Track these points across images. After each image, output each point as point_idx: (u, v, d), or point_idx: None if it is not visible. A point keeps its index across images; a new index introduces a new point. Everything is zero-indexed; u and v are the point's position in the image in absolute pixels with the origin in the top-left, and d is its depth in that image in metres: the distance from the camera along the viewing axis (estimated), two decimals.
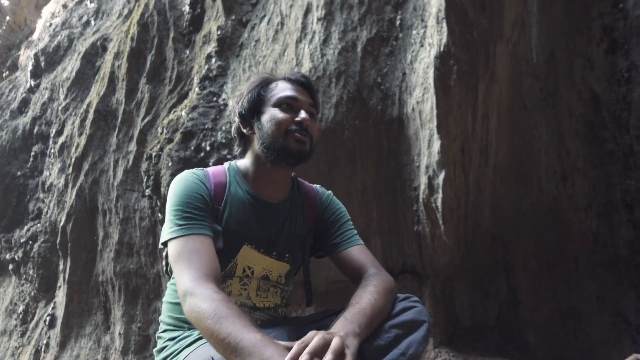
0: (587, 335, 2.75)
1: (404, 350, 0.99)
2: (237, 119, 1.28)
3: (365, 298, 1.03)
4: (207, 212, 1.14)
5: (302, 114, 1.19)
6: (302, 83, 1.25)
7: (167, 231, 1.11)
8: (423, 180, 2.42)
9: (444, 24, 2.30)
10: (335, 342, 0.84)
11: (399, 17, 2.77)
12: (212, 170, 1.25)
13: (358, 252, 1.25)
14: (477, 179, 2.64)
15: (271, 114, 1.20)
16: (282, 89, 1.23)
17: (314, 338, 0.84)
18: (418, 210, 2.52)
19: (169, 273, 1.25)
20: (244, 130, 1.26)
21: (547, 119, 3.02)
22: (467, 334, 2.56)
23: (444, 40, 2.28)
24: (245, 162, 1.29)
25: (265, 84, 1.26)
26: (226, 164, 1.29)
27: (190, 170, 1.22)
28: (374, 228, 2.71)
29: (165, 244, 1.12)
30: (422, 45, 2.56)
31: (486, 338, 2.58)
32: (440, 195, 2.34)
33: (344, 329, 0.92)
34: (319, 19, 2.81)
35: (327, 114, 2.65)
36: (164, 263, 3.18)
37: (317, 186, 1.40)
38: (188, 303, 0.96)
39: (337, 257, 1.26)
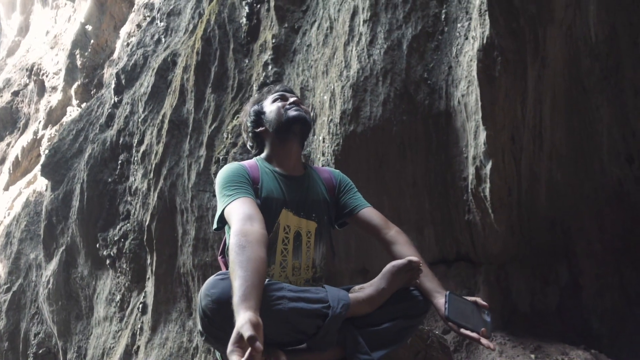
0: None
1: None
2: (250, 127, 1.76)
3: (413, 252, 1.56)
4: (249, 185, 1.53)
5: (292, 98, 1.71)
6: (285, 89, 1.78)
7: (220, 207, 1.49)
8: (471, 170, 2.47)
9: (487, 16, 2.32)
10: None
11: (444, 10, 2.82)
12: (245, 162, 1.68)
13: (372, 212, 1.68)
14: (530, 166, 2.63)
15: (270, 107, 1.72)
16: (273, 93, 1.75)
17: None
18: (468, 200, 2.57)
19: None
20: (257, 130, 1.74)
21: (608, 99, 2.89)
22: (525, 320, 2.58)
23: (487, 32, 2.31)
24: (265, 153, 1.74)
25: (260, 99, 1.79)
26: (254, 158, 1.74)
27: (231, 163, 1.67)
28: (427, 219, 2.79)
29: (221, 220, 1.50)
30: (466, 38, 2.60)
31: (545, 324, 2.58)
32: (488, 184, 2.39)
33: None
34: (364, 21, 2.94)
35: (375, 112, 2.77)
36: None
37: (327, 167, 1.92)
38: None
39: (356, 218, 1.68)
